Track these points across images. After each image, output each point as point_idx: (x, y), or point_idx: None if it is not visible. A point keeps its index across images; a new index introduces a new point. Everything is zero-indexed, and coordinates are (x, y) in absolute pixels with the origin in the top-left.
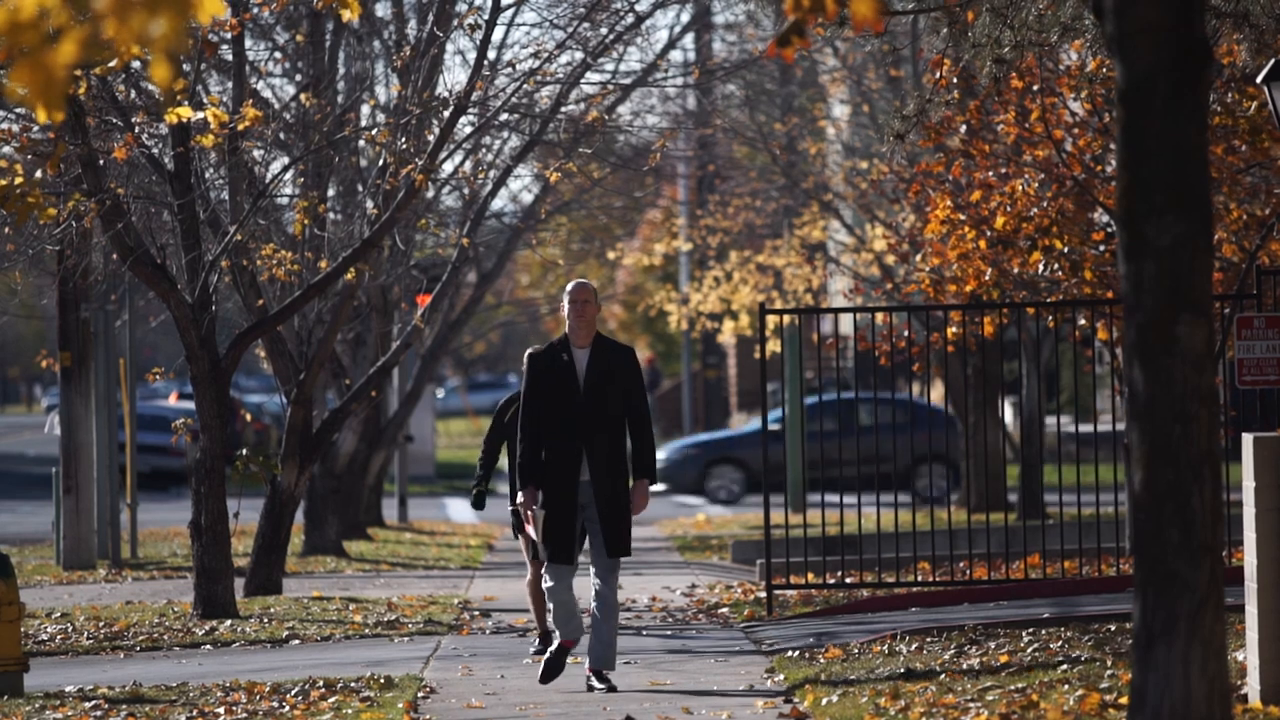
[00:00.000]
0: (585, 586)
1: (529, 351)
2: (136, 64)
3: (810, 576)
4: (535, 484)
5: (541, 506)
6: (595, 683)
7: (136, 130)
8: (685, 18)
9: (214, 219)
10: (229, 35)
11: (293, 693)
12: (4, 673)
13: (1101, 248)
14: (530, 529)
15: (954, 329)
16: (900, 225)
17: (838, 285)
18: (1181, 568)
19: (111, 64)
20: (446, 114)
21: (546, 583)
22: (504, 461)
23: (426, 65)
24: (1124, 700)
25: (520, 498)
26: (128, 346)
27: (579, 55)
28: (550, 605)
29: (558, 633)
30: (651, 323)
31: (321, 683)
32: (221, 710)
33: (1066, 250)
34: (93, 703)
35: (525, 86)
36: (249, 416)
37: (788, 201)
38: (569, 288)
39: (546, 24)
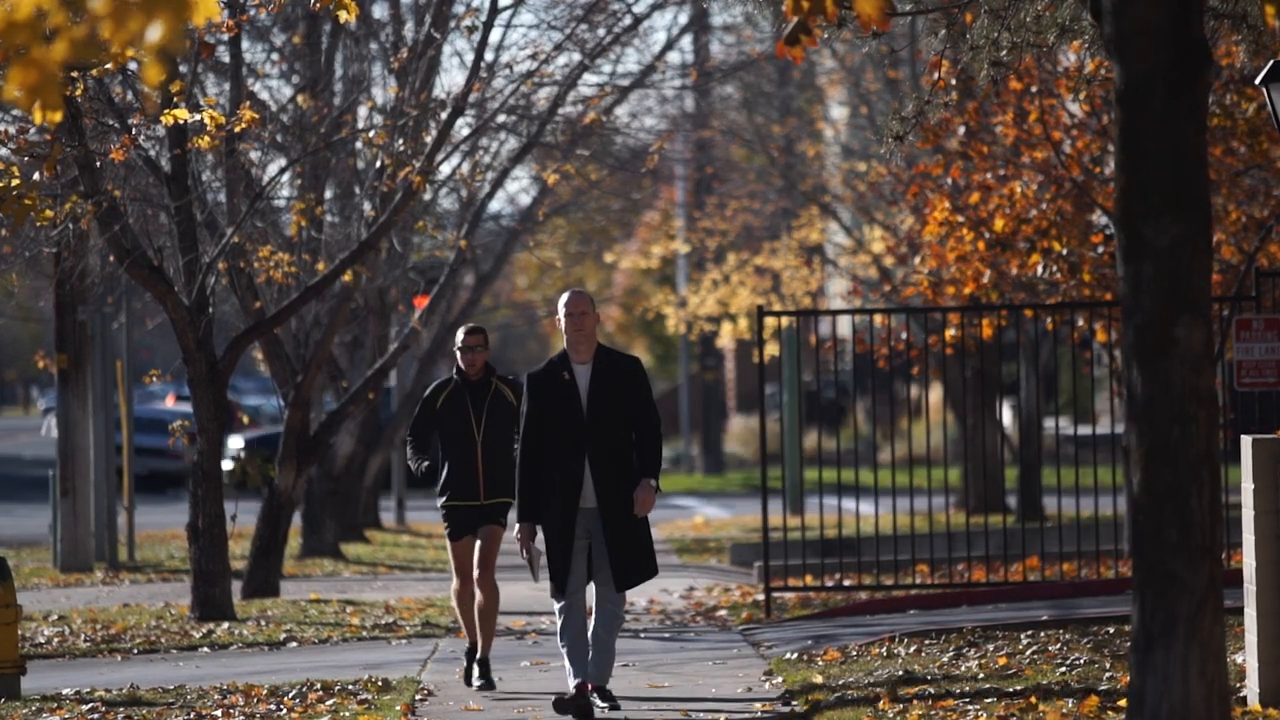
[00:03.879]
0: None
1: (527, 372)
2: (133, 66)
3: (809, 579)
4: (534, 520)
5: (542, 544)
6: (598, 701)
7: (133, 132)
8: (683, 19)
9: (211, 221)
10: (226, 37)
11: (290, 695)
12: (1, 675)
13: (1100, 249)
14: (528, 565)
15: (952, 331)
16: (898, 227)
17: (836, 288)
18: (1180, 569)
19: (108, 66)
20: (444, 115)
21: (556, 613)
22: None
23: (424, 67)
24: (1122, 703)
25: (516, 532)
26: (125, 349)
27: (576, 57)
28: (560, 638)
29: (571, 672)
30: (649, 325)
31: (319, 685)
32: (219, 713)
33: (1065, 252)
34: (90, 705)
35: (523, 89)
36: (246, 419)
37: (785, 204)
38: (563, 299)
39: (544, 25)
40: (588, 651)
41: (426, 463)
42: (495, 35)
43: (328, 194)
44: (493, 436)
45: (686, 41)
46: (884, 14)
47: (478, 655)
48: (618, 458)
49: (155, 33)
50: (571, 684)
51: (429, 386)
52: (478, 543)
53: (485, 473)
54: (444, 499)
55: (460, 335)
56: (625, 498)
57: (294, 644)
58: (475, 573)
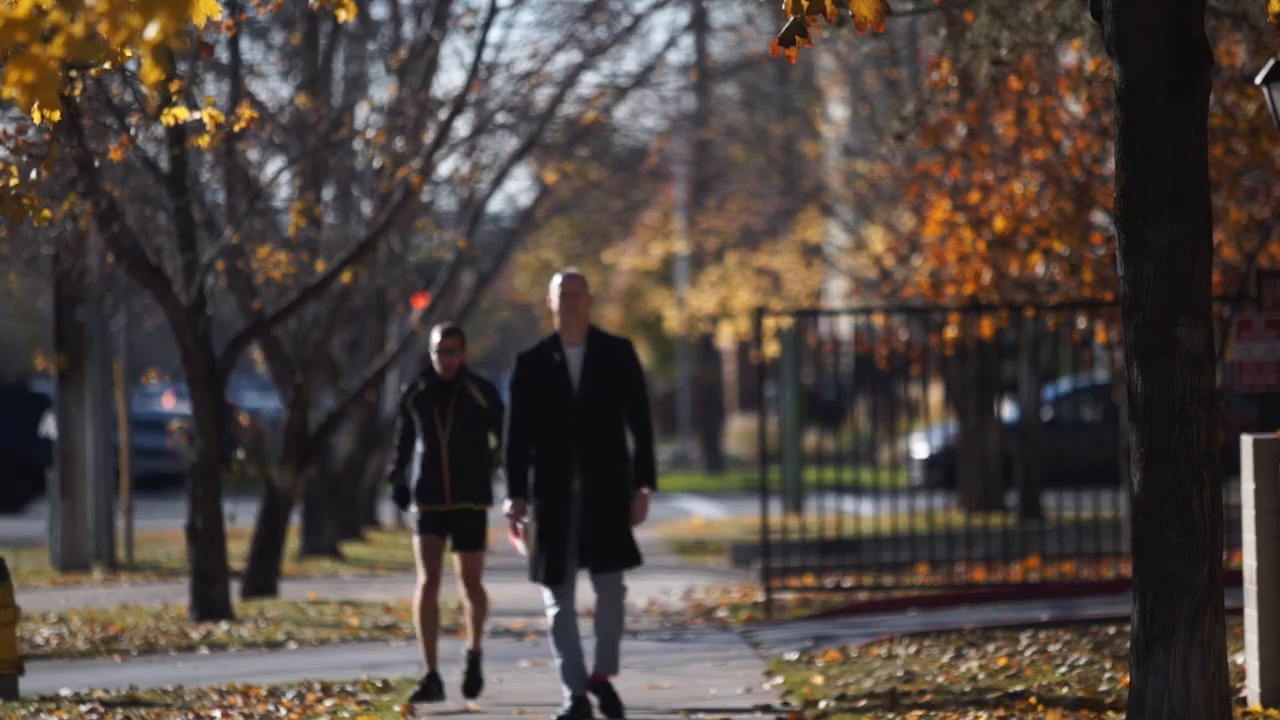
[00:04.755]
0: (585, 592)
1: (518, 352)
2: (132, 65)
3: (808, 579)
4: (524, 496)
5: (532, 519)
6: (591, 696)
7: (132, 132)
8: (683, 19)
9: (210, 221)
10: (225, 37)
11: (289, 696)
12: None
13: (1100, 250)
14: (518, 544)
15: (952, 331)
16: (899, 227)
17: (836, 288)
18: (1180, 569)
19: (106, 65)
20: (443, 115)
21: (548, 616)
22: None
23: (423, 66)
24: (1123, 702)
25: (508, 508)
26: (123, 349)
27: (576, 57)
28: (554, 650)
29: (565, 686)
30: (649, 326)
31: (318, 686)
32: (218, 714)
33: (1065, 252)
34: (88, 706)
35: (522, 88)
36: (245, 419)
37: (785, 206)
38: (557, 280)
39: (543, 25)
40: (582, 663)
41: (396, 488)
42: (495, 35)
43: (326, 194)
44: (459, 438)
45: (687, 41)
46: (880, 15)
47: (468, 648)
48: (608, 441)
49: (153, 31)
50: (567, 695)
51: (405, 387)
52: (458, 563)
53: (451, 475)
54: (413, 503)
55: (435, 336)
56: (612, 482)
57: (293, 644)
58: (461, 590)
